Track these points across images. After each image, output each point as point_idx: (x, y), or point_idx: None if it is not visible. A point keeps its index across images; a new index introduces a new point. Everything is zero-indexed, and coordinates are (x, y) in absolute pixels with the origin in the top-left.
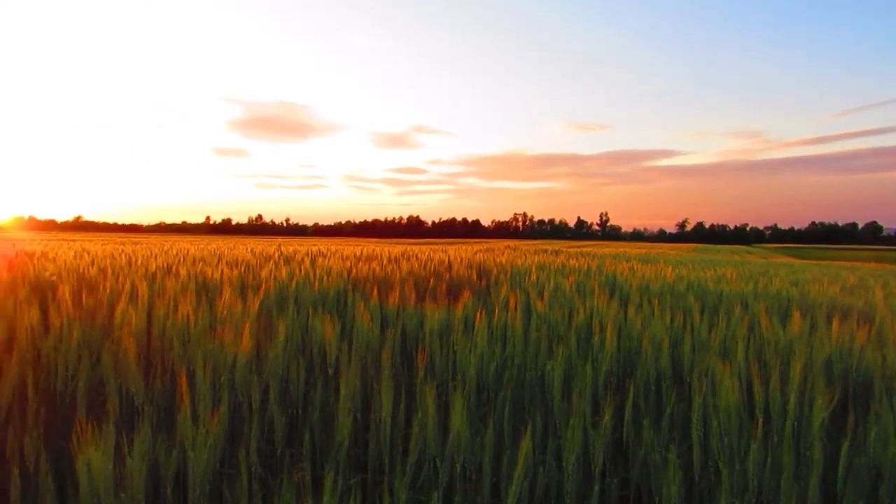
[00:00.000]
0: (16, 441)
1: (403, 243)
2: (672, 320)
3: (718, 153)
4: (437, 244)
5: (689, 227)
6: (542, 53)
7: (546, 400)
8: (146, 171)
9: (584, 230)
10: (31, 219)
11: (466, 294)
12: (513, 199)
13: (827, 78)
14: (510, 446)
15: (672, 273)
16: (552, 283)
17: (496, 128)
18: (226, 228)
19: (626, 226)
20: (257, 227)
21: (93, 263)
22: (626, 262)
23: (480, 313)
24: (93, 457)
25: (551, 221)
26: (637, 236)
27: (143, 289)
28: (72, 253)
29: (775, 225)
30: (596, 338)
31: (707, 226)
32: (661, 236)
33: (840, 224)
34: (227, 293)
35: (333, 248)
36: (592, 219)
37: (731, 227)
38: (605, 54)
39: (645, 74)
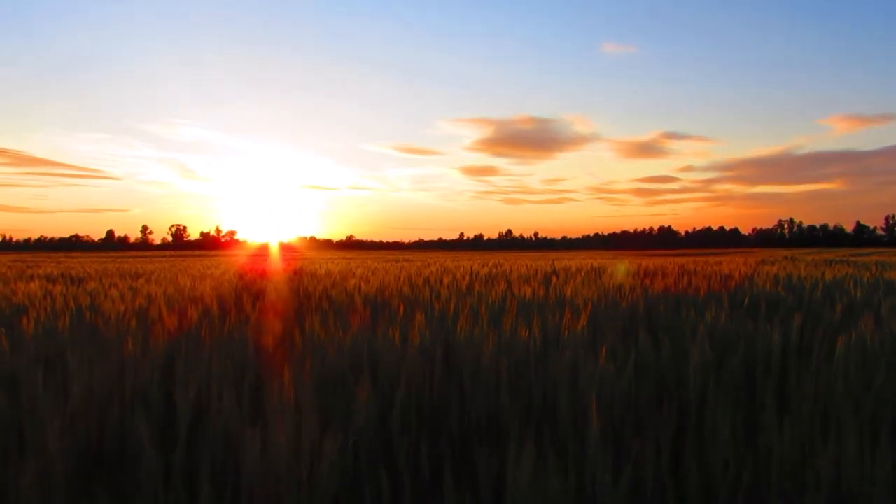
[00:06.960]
0: (413, 453)
1: (659, 255)
2: None
3: None
4: (696, 255)
5: None
6: (809, 44)
7: None
8: (402, 192)
9: (865, 236)
10: (312, 238)
11: (797, 316)
12: (776, 205)
13: None
14: None
15: None
16: (886, 299)
17: (755, 129)
18: (478, 244)
19: None
20: (507, 242)
21: (399, 281)
22: None
23: (842, 336)
24: (526, 473)
25: (823, 227)
26: None
27: (482, 308)
28: (371, 271)
29: None
30: None
31: None
32: None
33: None
34: (567, 314)
35: (603, 262)
36: (875, 223)
37: None
38: (884, 35)
39: None
